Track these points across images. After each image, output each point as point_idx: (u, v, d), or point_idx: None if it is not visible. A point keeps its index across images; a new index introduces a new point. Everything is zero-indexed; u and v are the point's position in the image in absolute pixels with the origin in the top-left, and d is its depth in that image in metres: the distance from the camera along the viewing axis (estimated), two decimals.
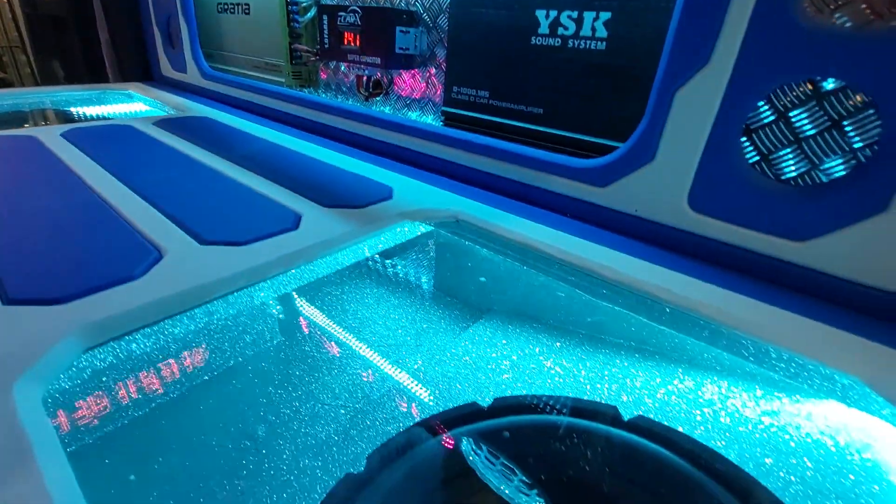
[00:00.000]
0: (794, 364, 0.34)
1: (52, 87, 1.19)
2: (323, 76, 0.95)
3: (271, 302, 0.48)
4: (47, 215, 0.44)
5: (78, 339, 0.28)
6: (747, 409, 0.36)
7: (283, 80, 0.94)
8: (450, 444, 0.37)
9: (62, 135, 0.71)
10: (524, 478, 0.36)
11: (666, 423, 0.36)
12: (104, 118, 1.06)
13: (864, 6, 0.33)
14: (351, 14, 0.73)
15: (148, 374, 0.36)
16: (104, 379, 0.33)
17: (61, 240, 0.39)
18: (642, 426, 0.35)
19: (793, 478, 0.31)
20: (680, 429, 0.35)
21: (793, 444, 0.33)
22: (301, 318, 0.49)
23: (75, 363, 0.29)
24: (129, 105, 1.18)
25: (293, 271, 0.41)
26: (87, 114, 1.10)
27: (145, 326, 0.32)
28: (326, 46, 0.79)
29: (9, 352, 0.26)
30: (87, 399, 0.32)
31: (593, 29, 0.49)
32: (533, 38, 0.54)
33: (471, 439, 0.38)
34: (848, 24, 0.34)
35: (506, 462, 0.37)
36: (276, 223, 0.44)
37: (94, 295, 0.32)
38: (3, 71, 2.62)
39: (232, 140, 0.74)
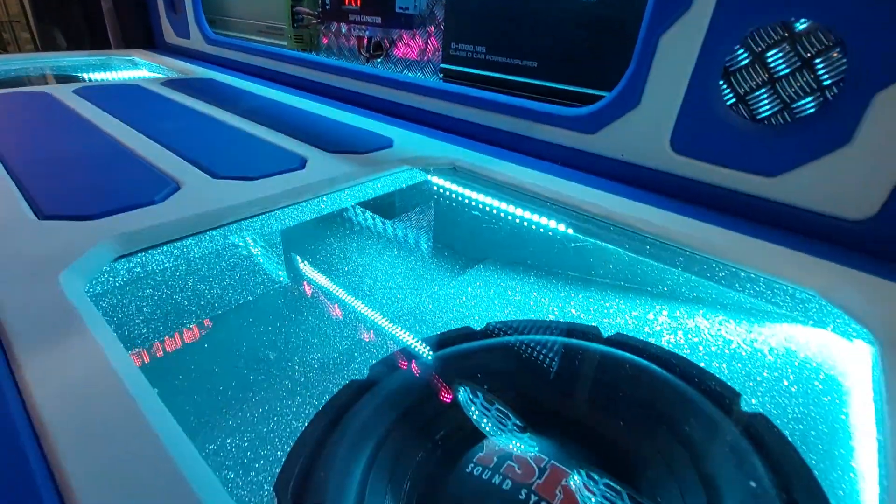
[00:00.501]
0: (760, 283, 0.37)
1: (56, 53, 1.20)
2: (324, 41, 0.96)
3: (280, 236, 0.51)
4: (70, 153, 0.47)
5: (109, 248, 0.32)
6: (718, 326, 0.40)
7: (284, 43, 0.96)
8: (445, 389, 0.40)
9: (74, 91, 0.73)
10: (517, 421, 0.39)
11: (645, 340, 0.39)
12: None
13: None
14: None
15: (169, 290, 0.39)
16: (133, 289, 0.36)
17: (86, 172, 0.42)
18: (618, 340, 0.39)
19: (751, 378, 0.35)
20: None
21: (754, 350, 0.37)
22: (308, 254, 0.53)
23: (108, 271, 0.32)
24: (134, 71, 1.19)
25: (301, 206, 0.44)
26: (94, 78, 1.11)
27: (167, 243, 0.35)
28: (328, 7, 0.81)
29: (49, 254, 0.30)
30: (120, 306, 0.36)
31: None
32: None
33: (467, 388, 0.41)
34: None
35: (500, 407, 0.40)
36: (283, 163, 0.47)
37: (120, 214, 0.35)
38: (2, 49, 2.59)
39: (237, 98, 0.76)
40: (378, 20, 0.74)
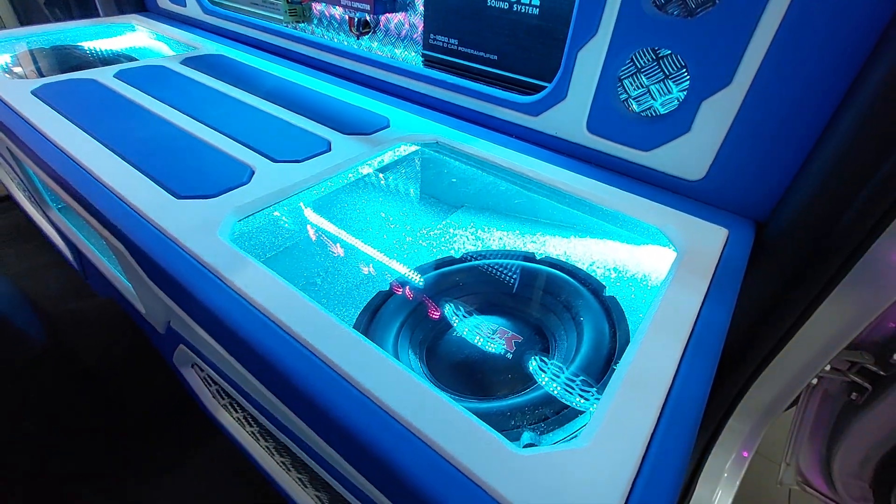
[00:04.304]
0: (629, 223, 0.60)
1: (54, 25, 1.26)
2: (315, 12, 1.09)
3: (321, 200, 0.71)
4: (156, 142, 0.65)
5: (233, 215, 0.52)
6: (601, 248, 0.63)
7: (280, 17, 1.08)
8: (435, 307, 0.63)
9: (114, 76, 0.87)
10: (491, 328, 0.62)
11: (559, 259, 0.62)
12: (128, 55, 1.19)
13: (683, 4, 0.54)
14: None
15: (275, 248, 0.60)
16: (246, 242, 0.56)
17: (182, 159, 0.61)
18: (544, 260, 0.62)
19: (619, 280, 0.58)
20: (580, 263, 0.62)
21: (616, 261, 0.60)
22: (337, 210, 0.73)
23: (233, 231, 0.52)
24: (134, 36, 1.29)
25: (333, 179, 0.64)
26: (101, 49, 1.21)
27: (260, 210, 0.55)
28: None
29: (201, 221, 0.50)
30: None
31: None
32: (488, 1, 0.72)
33: (452, 304, 0.64)
34: (675, 13, 0.55)
35: (469, 303, 0.63)
36: (316, 147, 0.66)
37: (227, 193, 0.55)
38: None
39: (253, 77, 0.91)
40: (367, 7, 0.88)
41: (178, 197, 0.54)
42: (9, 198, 1.33)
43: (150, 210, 0.51)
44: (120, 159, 0.60)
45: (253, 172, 0.59)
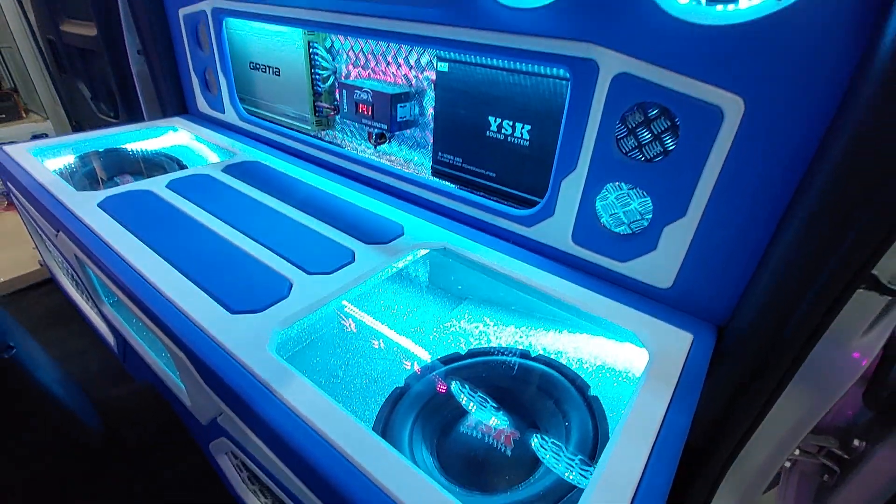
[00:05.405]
0: (610, 327, 0.70)
1: (107, 130, 1.40)
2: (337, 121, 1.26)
3: (345, 305, 0.83)
4: (206, 254, 0.76)
5: (279, 329, 0.63)
6: (587, 348, 0.73)
7: (308, 127, 1.25)
8: (442, 383, 0.72)
9: (167, 186, 1.02)
10: (493, 404, 0.71)
11: (552, 357, 0.72)
12: (174, 156, 1.35)
13: (642, 153, 0.67)
14: (364, 93, 1.04)
15: (302, 341, 0.70)
16: (285, 348, 0.67)
17: (229, 273, 0.72)
18: (537, 357, 0.71)
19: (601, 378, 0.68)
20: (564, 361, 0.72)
21: (601, 361, 0.70)
22: (357, 313, 0.84)
23: (277, 343, 0.63)
24: (177, 136, 1.46)
25: (355, 288, 0.75)
26: (151, 149, 1.38)
27: (297, 320, 0.66)
28: (345, 111, 1.10)
29: (253, 336, 0.60)
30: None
31: (521, 133, 0.82)
32: (487, 132, 0.87)
33: (458, 381, 0.73)
34: (638, 158, 0.68)
35: (482, 395, 0.73)
36: (341, 259, 0.78)
37: (272, 307, 0.66)
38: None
39: (284, 185, 1.05)
40: (385, 126, 1.04)
41: (232, 312, 0.65)
42: (51, 280, 1.46)
43: (210, 325, 0.62)
44: (179, 273, 0.72)
45: (291, 285, 0.71)
